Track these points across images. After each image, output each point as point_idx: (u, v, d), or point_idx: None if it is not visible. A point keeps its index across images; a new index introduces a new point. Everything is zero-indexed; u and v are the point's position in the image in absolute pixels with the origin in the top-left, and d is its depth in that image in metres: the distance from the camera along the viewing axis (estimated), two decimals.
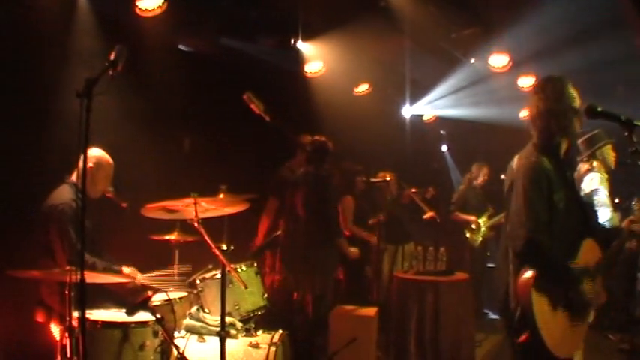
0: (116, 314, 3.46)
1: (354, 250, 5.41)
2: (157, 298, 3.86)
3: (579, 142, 4.97)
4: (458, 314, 5.14)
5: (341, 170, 6.05)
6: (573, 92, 2.92)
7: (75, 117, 2.54)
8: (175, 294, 4.07)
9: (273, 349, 3.79)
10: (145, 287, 3.87)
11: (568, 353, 2.83)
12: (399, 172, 7.24)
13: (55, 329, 3.66)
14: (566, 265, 2.79)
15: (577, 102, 2.92)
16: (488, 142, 9.38)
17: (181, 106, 5.74)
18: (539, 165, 2.81)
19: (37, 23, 4.42)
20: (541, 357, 2.72)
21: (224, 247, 3.42)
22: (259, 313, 4.29)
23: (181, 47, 6.11)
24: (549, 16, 6.14)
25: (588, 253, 2.89)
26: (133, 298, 3.81)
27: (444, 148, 10.65)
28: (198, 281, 4.18)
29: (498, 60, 7.44)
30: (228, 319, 3.75)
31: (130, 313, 3.22)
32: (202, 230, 3.39)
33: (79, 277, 2.60)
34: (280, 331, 4.00)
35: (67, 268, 3.06)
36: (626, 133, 2.62)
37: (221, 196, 3.94)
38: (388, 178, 6.63)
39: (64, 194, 3.80)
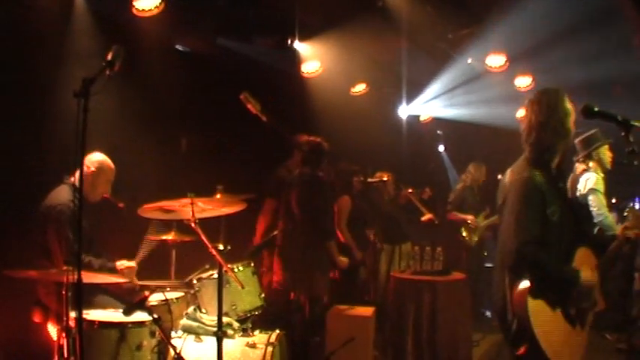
0: (113, 314, 3.46)
1: (343, 260, 5.29)
2: (154, 299, 3.85)
3: (576, 141, 4.98)
4: (455, 314, 5.14)
5: (338, 170, 6.04)
6: (568, 106, 2.90)
7: (72, 117, 2.54)
8: (172, 294, 4.07)
9: (270, 349, 3.78)
10: (142, 287, 3.86)
11: None
12: (396, 172, 7.23)
13: (52, 329, 3.65)
14: (561, 269, 2.79)
15: (571, 117, 2.89)
16: (484, 142, 9.40)
17: (178, 106, 5.74)
18: (532, 180, 2.80)
19: (35, 23, 4.42)
20: None
21: (221, 247, 3.42)
22: (256, 313, 4.29)
23: (178, 47, 6.11)
24: (544, 12, 6.14)
25: (583, 260, 2.88)
26: (130, 298, 3.82)
27: (441, 148, 10.66)
28: (195, 281, 4.17)
29: (495, 60, 7.45)
30: (225, 319, 3.75)
31: (127, 313, 3.22)
32: (199, 230, 3.39)
33: (75, 277, 2.60)
34: (277, 331, 3.99)
35: (64, 268, 3.05)
36: (622, 133, 2.60)
37: (218, 196, 3.95)
38: (385, 178, 6.62)
39: (62, 195, 3.79)
